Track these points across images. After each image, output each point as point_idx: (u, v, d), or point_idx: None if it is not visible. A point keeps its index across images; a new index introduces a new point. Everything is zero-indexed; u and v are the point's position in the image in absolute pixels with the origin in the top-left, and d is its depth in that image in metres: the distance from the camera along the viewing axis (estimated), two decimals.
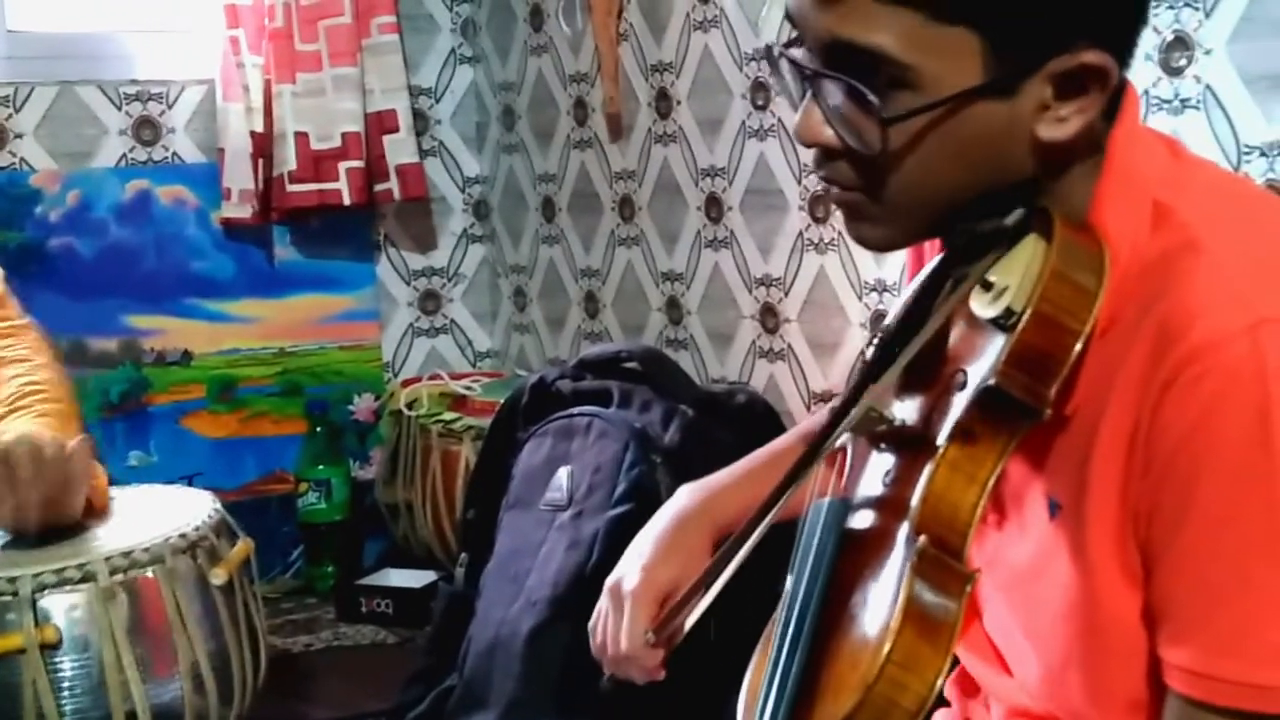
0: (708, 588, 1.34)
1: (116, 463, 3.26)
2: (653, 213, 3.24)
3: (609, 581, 1.48)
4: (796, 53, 1.09)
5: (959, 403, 1.05)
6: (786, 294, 2.90)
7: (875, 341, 1.21)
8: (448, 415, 3.28)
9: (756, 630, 1.26)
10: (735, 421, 2.59)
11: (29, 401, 2.17)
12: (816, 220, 2.79)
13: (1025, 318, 1.02)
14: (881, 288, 2.67)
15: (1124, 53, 1.07)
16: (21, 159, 3.25)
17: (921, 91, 1.02)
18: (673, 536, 1.48)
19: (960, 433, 1.05)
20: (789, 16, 1.09)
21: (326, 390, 3.58)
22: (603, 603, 1.49)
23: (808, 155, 1.33)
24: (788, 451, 1.55)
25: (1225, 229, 1.04)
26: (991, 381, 1.02)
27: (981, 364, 1.05)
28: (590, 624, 1.50)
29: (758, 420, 2.63)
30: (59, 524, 2.07)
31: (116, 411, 3.36)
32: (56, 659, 1.99)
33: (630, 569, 1.46)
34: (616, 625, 1.45)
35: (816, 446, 1.18)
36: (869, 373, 1.17)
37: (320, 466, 3.38)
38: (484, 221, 3.81)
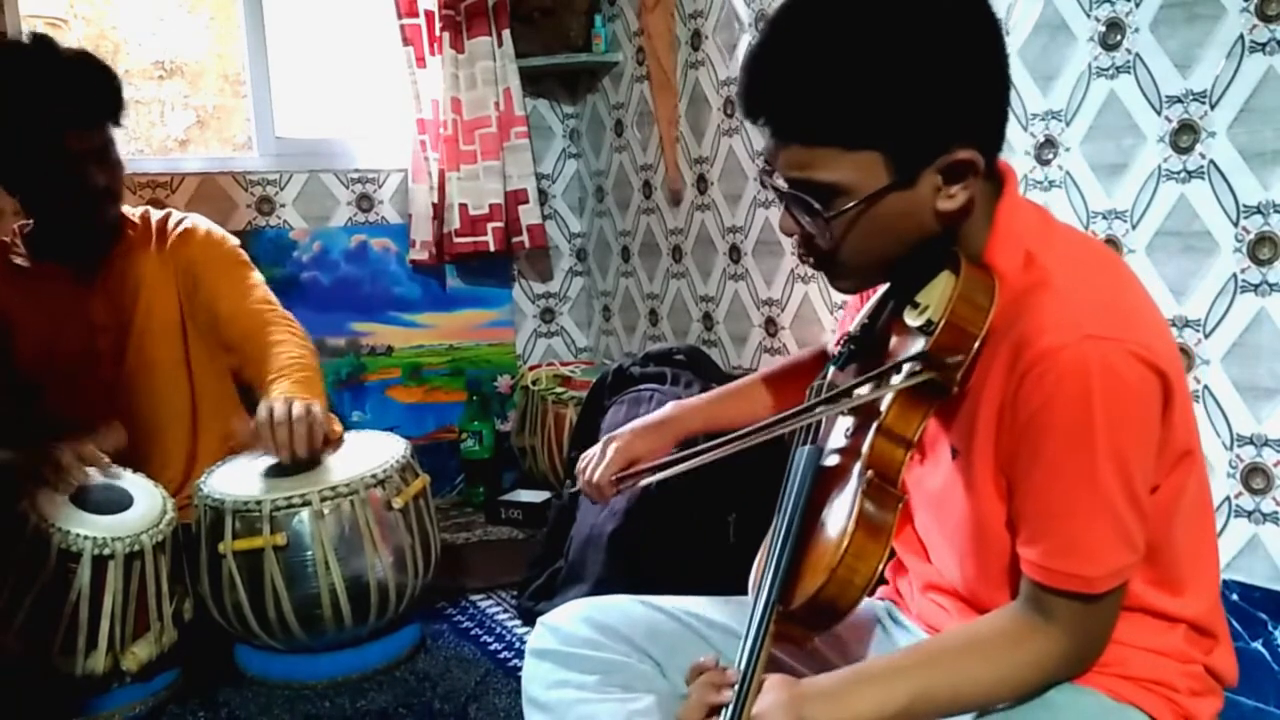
0: (656, 472, 1.40)
1: (344, 418, 3.26)
2: (694, 257, 3.20)
3: (606, 436, 1.49)
4: (775, 177, 1.10)
5: (895, 383, 1.06)
6: (783, 310, 2.88)
7: (844, 340, 1.22)
8: (558, 389, 3.26)
9: (762, 533, 1.24)
10: None
11: (289, 371, 2.17)
12: (803, 262, 2.72)
13: (940, 326, 1.03)
14: (844, 306, 2.61)
15: (991, 147, 1.07)
16: (284, 220, 3.25)
17: (850, 195, 1.04)
18: (652, 427, 1.49)
19: (896, 403, 1.06)
20: (765, 157, 1.10)
21: (480, 372, 3.56)
22: (597, 446, 1.50)
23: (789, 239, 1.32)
24: (748, 387, 1.56)
25: (1070, 273, 1.04)
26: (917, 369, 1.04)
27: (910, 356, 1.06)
28: (584, 454, 1.51)
29: None
30: (309, 459, 2.07)
31: (344, 385, 3.36)
32: (285, 555, 1.99)
33: (621, 435, 1.48)
34: (597, 463, 1.46)
35: (795, 414, 1.17)
36: (839, 364, 1.19)
37: (475, 422, 3.37)
38: (583, 262, 3.77)
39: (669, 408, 1.51)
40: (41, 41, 2.11)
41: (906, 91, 0.99)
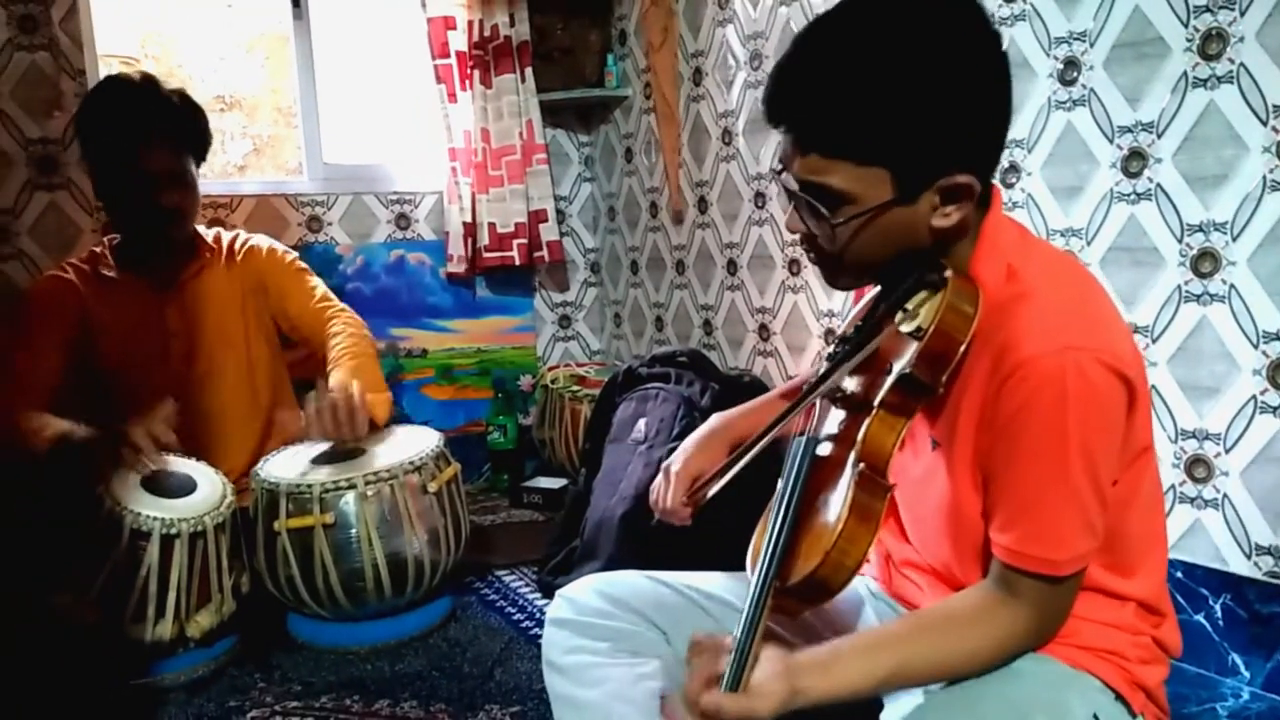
0: (721, 476, 1.32)
1: None
2: (696, 270, 3.19)
3: (664, 464, 1.40)
4: (786, 177, 1.07)
5: (887, 383, 1.04)
6: (774, 318, 2.86)
7: (836, 342, 1.18)
8: (574, 387, 3.24)
9: (753, 518, 1.21)
10: (743, 394, 2.49)
11: (345, 358, 2.19)
12: (793, 274, 2.77)
13: (930, 333, 1.01)
14: (830, 314, 2.65)
15: (986, 173, 1.05)
16: (331, 237, 3.25)
17: (856, 204, 1.02)
18: (704, 442, 1.38)
19: (887, 400, 1.04)
20: (779, 157, 1.07)
21: (504, 372, 3.55)
22: (659, 478, 1.40)
23: (793, 237, 1.29)
24: (775, 401, 1.49)
25: (1048, 285, 1.03)
26: (907, 371, 1.02)
27: (902, 360, 1.04)
28: (651, 487, 1.42)
29: (756, 393, 2.51)
30: (353, 446, 2.10)
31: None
32: (332, 533, 1.98)
33: (676, 458, 1.39)
34: (663, 491, 1.37)
35: (797, 402, 1.16)
36: (836, 360, 1.16)
37: (501, 417, 3.36)
38: (597, 274, 3.76)
39: (715, 420, 1.42)
40: (147, 79, 2.16)
41: (917, 118, 0.98)
